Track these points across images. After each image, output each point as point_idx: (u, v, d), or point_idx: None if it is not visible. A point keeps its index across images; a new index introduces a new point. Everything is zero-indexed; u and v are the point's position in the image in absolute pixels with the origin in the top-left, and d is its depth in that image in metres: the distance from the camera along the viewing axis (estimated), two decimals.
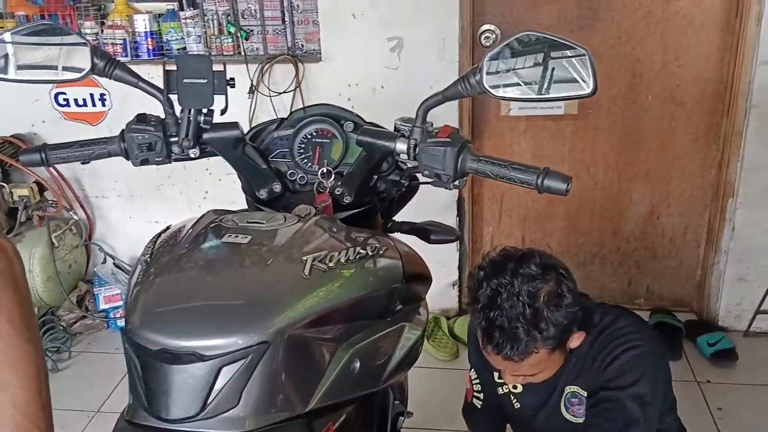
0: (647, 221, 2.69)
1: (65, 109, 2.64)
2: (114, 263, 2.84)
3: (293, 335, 0.87)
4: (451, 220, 2.62)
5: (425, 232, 1.40)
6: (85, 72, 1.11)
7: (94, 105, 2.61)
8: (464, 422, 1.74)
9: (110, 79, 1.13)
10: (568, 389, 1.48)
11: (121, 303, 2.76)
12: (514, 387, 1.54)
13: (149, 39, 2.51)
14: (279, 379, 0.86)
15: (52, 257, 2.60)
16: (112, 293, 2.77)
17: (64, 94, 2.61)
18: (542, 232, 2.78)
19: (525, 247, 1.45)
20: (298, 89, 2.46)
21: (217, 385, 0.82)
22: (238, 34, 2.50)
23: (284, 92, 2.48)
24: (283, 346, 0.85)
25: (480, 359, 1.49)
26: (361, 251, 1.01)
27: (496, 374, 1.54)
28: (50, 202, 2.68)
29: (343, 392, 1.00)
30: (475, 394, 1.64)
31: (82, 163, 1.21)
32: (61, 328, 2.71)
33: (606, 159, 2.61)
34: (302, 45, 2.53)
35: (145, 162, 1.17)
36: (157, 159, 1.16)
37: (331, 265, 0.94)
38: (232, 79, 1.15)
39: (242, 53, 2.49)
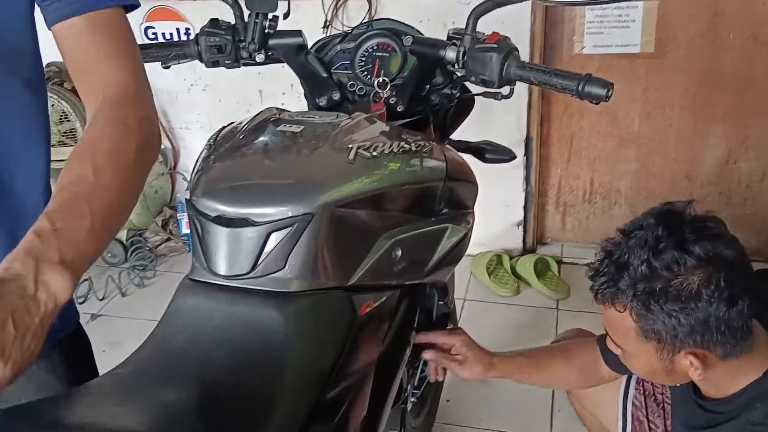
0: (723, 166, 2.62)
1: (154, 42, 2.80)
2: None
3: (337, 213, 0.95)
4: (518, 160, 2.63)
5: (480, 150, 1.44)
6: None
7: (180, 38, 2.76)
8: None
9: None
10: None
11: None
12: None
13: None
14: (322, 250, 0.95)
15: None
16: None
17: (153, 28, 2.77)
18: (612, 175, 2.75)
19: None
20: (360, 23, 2.51)
21: (267, 249, 0.91)
22: None
23: (358, 26, 2.54)
24: (326, 220, 0.94)
25: None
26: (406, 146, 1.07)
27: None
28: None
29: (384, 276, 1.08)
30: None
31: (164, 66, 1.32)
32: (148, 249, 2.93)
33: (682, 100, 2.55)
34: None
35: (216, 64, 1.27)
36: (226, 62, 1.26)
37: (375, 153, 1.01)
38: None
39: None
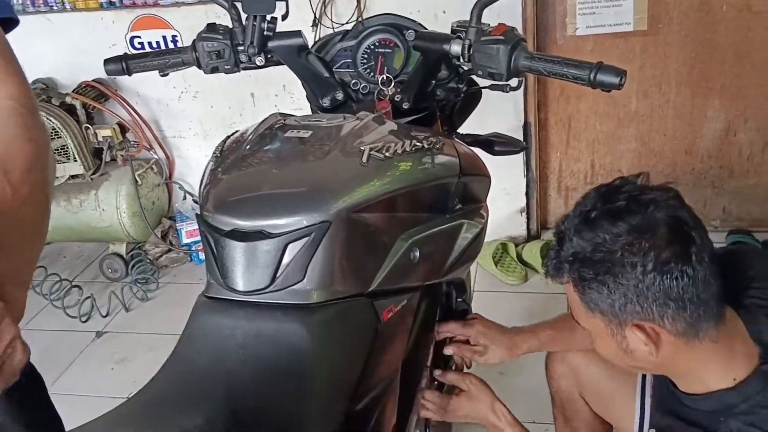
0: (723, 139, 2.60)
1: (141, 52, 2.75)
2: (194, 200, 2.99)
3: (354, 218, 0.92)
4: None
5: (489, 143, 1.41)
6: None
7: (167, 46, 2.71)
8: None
9: None
10: None
11: None
12: None
13: None
14: (341, 258, 0.92)
15: (137, 194, 2.76)
16: (193, 228, 2.91)
17: (139, 37, 2.72)
18: (612, 156, 2.73)
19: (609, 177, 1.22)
20: (360, 18, 2.48)
21: (285, 261, 0.88)
22: None
23: (347, 23, 2.51)
24: (343, 227, 0.91)
25: None
26: (418, 144, 1.05)
27: None
28: (132, 142, 2.83)
29: (404, 279, 1.06)
30: None
31: (161, 74, 1.29)
32: (149, 261, 2.89)
33: (678, 75, 2.52)
34: None
35: (215, 70, 1.24)
36: (226, 67, 1.23)
37: (388, 154, 0.99)
38: None
39: None
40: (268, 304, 0.89)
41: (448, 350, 1.34)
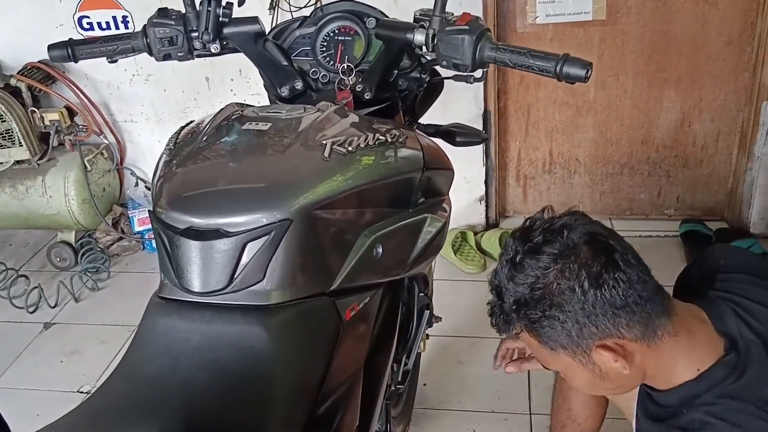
0: (678, 129, 2.63)
1: (89, 33, 2.64)
2: (146, 186, 2.90)
3: (315, 215, 0.89)
4: None
5: (451, 134, 1.39)
6: None
7: (117, 27, 2.61)
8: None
9: None
10: None
11: None
12: None
13: None
14: (302, 257, 0.89)
15: (86, 180, 2.66)
16: (145, 215, 2.82)
17: (88, 17, 2.61)
18: (570, 144, 2.74)
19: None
20: (319, 3, 2.43)
21: (243, 260, 0.84)
22: None
23: (305, 6, 2.45)
24: (305, 225, 0.87)
25: None
26: (381, 138, 1.02)
27: None
28: (80, 126, 2.72)
29: (367, 276, 1.03)
30: None
31: (109, 61, 1.23)
32: (99, 249, 2.80)
33: (635, 65, 2.54)
34: None
35: (167, 57, 1.18)
36: (179, 54, 1.17)
37: (350, 149, 0.95)
38: None
39: None
40: (226, 306, 0.86)
41: (509, 368, 1.29)
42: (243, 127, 0.98)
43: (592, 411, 1.45)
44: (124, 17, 2.60)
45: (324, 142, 0.94)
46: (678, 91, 2.56)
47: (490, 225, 2.85)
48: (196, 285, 0.85)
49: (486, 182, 2.77)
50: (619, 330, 0.92)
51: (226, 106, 1.06)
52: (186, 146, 0.98)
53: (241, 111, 1.04)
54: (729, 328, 0.99)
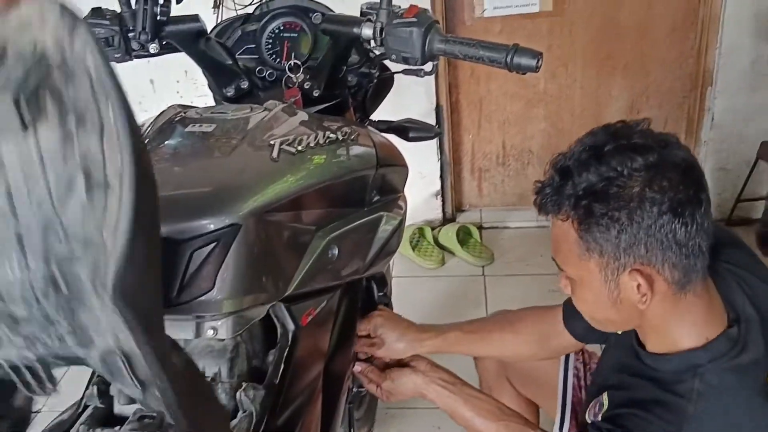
0: (627, 116, 2.63)
1: None
2: None
3: (265, 218, 0.85)
4: None
5: (403, 129, 1.37)
6: None
7: None
8: None
9: None
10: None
11: None
12: None
13: None
14: (254, 263, 0.84)
15: None
16: None
17: None
18: (523, 135, 2.76)
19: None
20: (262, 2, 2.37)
21: (190, 269, 0.80)
22: None
23: (250, 4, 2.39)
24: (255, 229, 0.83)
25: None
26: (332, 136, 0.98)
27: None
28: None
29: (323, 279, 1.00)
30: None
31: None
32: None
33: (584, 55, 2.56)
34: None
35: None
36: (116, 56, 1.11)
37: (300, 148, 0.92)
38: None
39: None
40: (174, 320, 0.81)
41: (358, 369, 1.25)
42: (186, 130, 0.93)
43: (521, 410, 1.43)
44: None
45: (272, 142, 0.90)
46: (626, 79, 2.59)
47: (447, 220, 2.84)
48: None
49: (441, 177, 2.76)
50: (664, 264, 0.89)
51: (168, 107, 1.01)
52: None
53: (184, 112, 0.99)
54: (734, 301, 0.98)
